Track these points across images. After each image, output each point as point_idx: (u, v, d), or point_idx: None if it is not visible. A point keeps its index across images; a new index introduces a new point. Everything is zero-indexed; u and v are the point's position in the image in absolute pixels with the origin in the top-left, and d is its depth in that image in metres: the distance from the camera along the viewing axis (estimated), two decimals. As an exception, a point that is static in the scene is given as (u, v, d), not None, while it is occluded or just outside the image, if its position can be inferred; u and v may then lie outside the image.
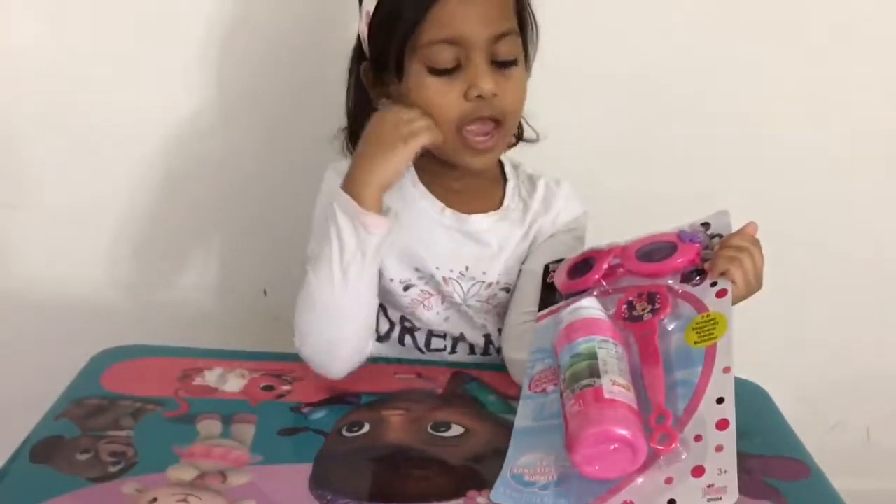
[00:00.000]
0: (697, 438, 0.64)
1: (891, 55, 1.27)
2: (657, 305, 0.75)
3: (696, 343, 0.71)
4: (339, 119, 0.99)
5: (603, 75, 1.22)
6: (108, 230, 1.30)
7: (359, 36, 0.92)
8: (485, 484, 0.69)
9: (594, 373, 0.67)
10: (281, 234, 1.25)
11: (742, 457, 0.74)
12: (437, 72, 0.83)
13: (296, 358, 0.88)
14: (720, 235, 0.80)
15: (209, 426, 0.76)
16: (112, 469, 0.69)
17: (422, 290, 0.93)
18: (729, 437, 0.64)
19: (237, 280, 1.37)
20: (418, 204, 0.92)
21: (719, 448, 0.63)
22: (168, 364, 0.86)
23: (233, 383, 0.83)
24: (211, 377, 0.84)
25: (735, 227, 0.80)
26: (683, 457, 0.64)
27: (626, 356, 0.71)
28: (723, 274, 0.74)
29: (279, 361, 0.87)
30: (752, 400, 0.86)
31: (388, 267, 0.90)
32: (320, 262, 0.82)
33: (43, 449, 0.72)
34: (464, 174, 0.91)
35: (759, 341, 1.37)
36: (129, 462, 0.70)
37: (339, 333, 0.82)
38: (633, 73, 1.23)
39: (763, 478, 0.73)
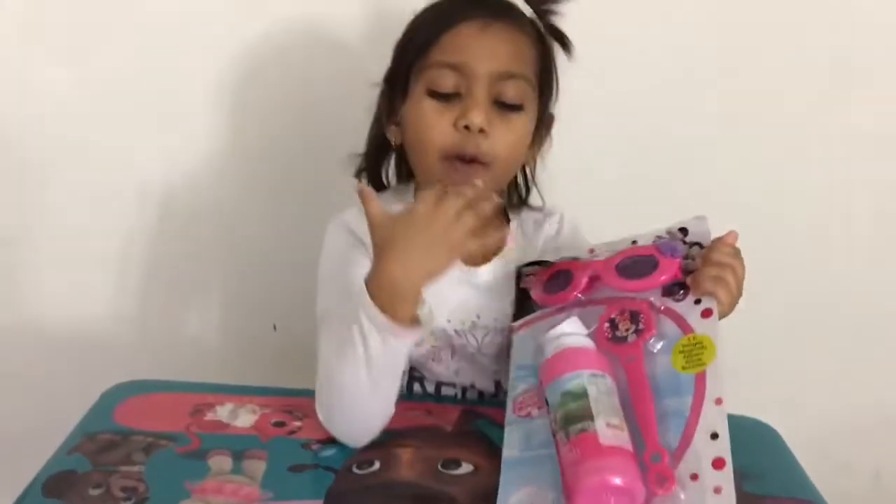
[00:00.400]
0: (694, 477, 0.64)
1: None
2: (641, 326, 0.74)
3: (683, 368, 0.70)
4: (348, 159, 1.00)
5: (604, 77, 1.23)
6: (121, 266, 1.31)
7: None
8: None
9: (587, 415, 0.66)
10: (291, 270, 1.26)
11: (753, 498, 0.74)
12: (435, 95, 0.84)
13: (307, 394, 0.87)
14: (699, 244, 0.79)
15: (220, 462, 0.76)
16: (124, 504, 0.69)
17: (433, 346, 0.91)
18: (727, 478, 0.63)
19: (247, 315, 1.37)
20: None
21: (718, 490, 0.62)
22: (180, 399, 0.86)
23: (244, 419, 0.83)
24: (222, 412, 0.84)
25: (713, 234, 0.80)
26: (682, 497, 0.63)
27: (615, 388, 0.70)
28: (708, 293, 0.74)
29: (290, 397, 0.87)
30: (763, 440, 0.86)
31: None
32: (345, 359, 0.75)
33: (55, 484, 0.72)
34: None
35: (770, 381, 1.37)
36: (140, 497, 0.70)
37: (369, 425, 0.79)
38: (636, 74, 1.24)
39: (775, 519, 0.73)
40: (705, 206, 1.27)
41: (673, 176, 1.28)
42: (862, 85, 1.27)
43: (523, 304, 0.83)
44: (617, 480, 0.63)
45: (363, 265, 0.86)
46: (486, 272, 0.92)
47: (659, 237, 0.80)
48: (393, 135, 0.92)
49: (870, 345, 1.40)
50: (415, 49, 0.86)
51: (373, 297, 0.72)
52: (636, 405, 0.69)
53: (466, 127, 0.82)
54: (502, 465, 0.72)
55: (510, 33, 0.86)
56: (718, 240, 0.79)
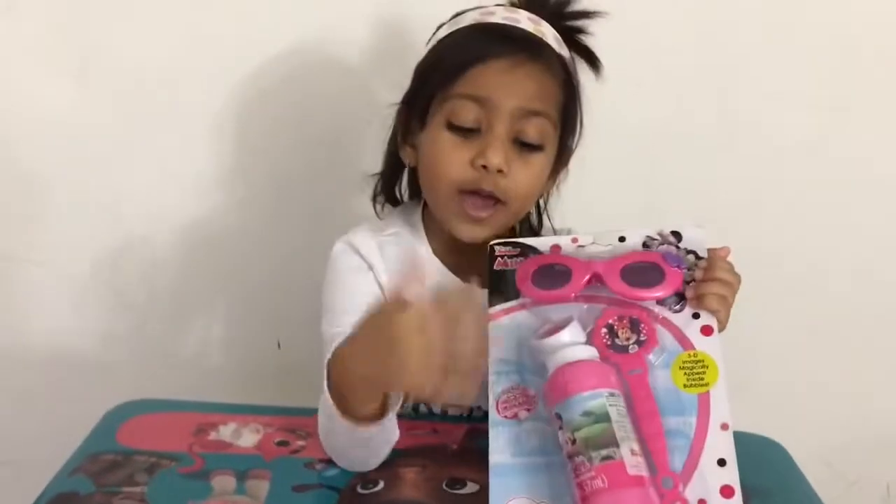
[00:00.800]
0: (702, 503, 0.63)
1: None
2: (643, 337, 0.72)
3: (685, 387, 0.69)
4: (353, 178, 0.99)
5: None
6: (123, 284, 1.31)
7: None
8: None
9: (611, 441, 0.64)
10: (295, 288, 1.26)
11: (762, 516, 0.74)
12: (455, 128, 0.83)
13: (310, 412, 0.87)
14: (694, 253, 0.77)
15: (223, 482, 0.76)
16: (126, 526, 0.69)
17: None
18: None
19: (251, 333, 1.37)
20: (435, 280, 0.88)
21: None
22: (183, 419, 0.86)
23: (247, 438, 0.83)
24: (225, 432, 0.84)
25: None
26: None
27: (625, 403, 0.68)
28: (713, 311, 0.73)
29: (293, 416, 0.87)
30: (771, 458, 0.85)
31: None
32: (333, 429, 0.75)
33: (58, 505, 0.72)
34: (474, 246, 0.87)
35: (778, 397, 1.37)
36: (143, 519, 0.70)
37: (370, 465, 0.79)
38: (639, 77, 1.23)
39: (784, 538, 0.72)
40: (708, 210, 1.28)
41: (672, 176, 1.28)
42: (864, 86, 1.26)
43: (501, 291, 0.77)
44: None
45: (369, 291, 0.86)
46: None
47: (651, 238, 0.78)
48: (408, 156, 0.91)
49: (879, 359, 1.39)
50: (440, 76, 0.84)
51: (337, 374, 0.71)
52: (644, 423, 0.67)
53: (484, 166, 0.81)
54: (490, 471, 0.69)
55: (539, 73, 0.84)
56: (716, 253, 0.77)
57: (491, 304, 0.77)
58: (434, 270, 0.90)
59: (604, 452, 0.63)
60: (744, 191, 1.30)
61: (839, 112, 1.26)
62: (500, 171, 0.81)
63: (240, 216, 1.30)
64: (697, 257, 0.77)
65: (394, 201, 0.98)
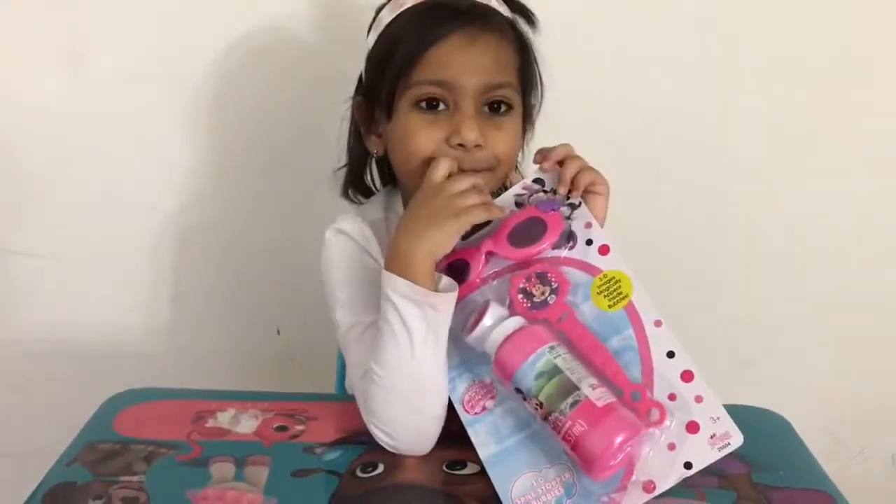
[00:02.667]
0: (671, 397, 0.68)
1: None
2: (555, 283, 0.75)
3: (610, 307, 0.73)
4: (333, 175, 0.98)
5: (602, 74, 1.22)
6: (120, 274, 1.31)
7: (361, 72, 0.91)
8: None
9: (571, 387, 0.67)
10: (293, 275, 1.25)
11: (766, 490, 0.74)
12: (423, 111, 0.82)
13: (309, 397, 0.87)
14: (555, 191, 0.80)
15: (222, 469, 0.75)
16: (124, 515, 0.69)
17: None
18: (701, 386, 0.68)
19: (250, 321, 1.37)
20: None
21: (699, 399, 0.67)
22: (181, 406, 0.85)
23: (246, 424, 0.82)
24: (224, 419, 0.83)
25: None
26: (669, 420, 0.67)
27: (570, 351, 0.71)
28: (586, 191, 0.78)
29: (292, 401, 0.86)
30: (774, 432, 0.85)
31: None
32: (385, 354, 0.74)
33: (55, 496, 0.71)
34: None
35: (782, 371, 1.36)
36: (141, 507, 0.69)
37: (428, 416, 0.77)
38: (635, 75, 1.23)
39: (788, 511, 0.72)
40: (708, 189, 1.28)
41: (672, 154, 1.28)
42: (862, 83, 1.26)
43: None
44: (629, 434, 0.66)
45: (372, 271, 0.85)
46: None
47: (519, 195, 0.81)
48: (375, 146, 0.90)
49: (884, 331, 1.39)
50: (397, 64, 0.82)
51: (393, 271, 0.74)
52: (591, 356, 0.71)
53: (461, 144, 0.81)
54: (486, 465, 0.72)
55: (495, 43, 0.84)
56: (552, 150, 0.82)
57: None
58: None
59: (570, 400, 0.67)
60: (744, 170, 1.29)
61: (839, 89, 1.25)
62: (477, 145, 0.81)
63: (237, 203, 1.30)
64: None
65: (366, 192, 0.97)
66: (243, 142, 1.27)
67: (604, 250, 0.75)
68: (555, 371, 0.68)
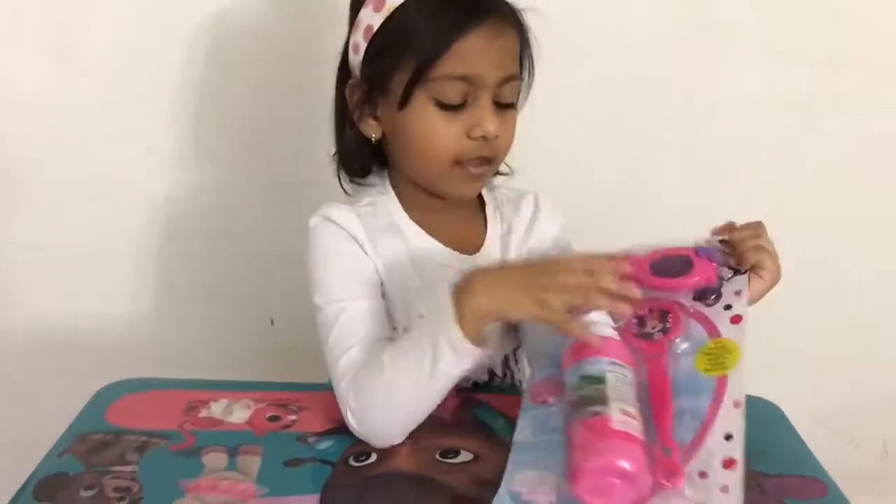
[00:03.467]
0: (702, 475, 0.63)
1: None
2: (668, 325, 0.74)
3: (706, 370, 0.70)
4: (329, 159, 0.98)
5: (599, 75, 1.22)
6: (112, 265, 1.31)
7: (347, 48, 0.89)
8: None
9: (602, 399, 0.66)
10: (287, 265, 1.25)
11: (758, 476, 0.74)
12: (444, 106, 0.82)
13: (301, 387, 0.87)
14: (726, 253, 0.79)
15: (215, 459, 0.75)
16: (117, 505, 0.68)
17: None
18: (736, 479, 0.62)
19: (245, 311, 1.37)
20: (417, 244, 0.90)
21: (724, 489, 0.62)
22: (173, 397, 0.85)
23: (238, 414, 0.82)
24: (216, 409, 0.83)
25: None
26: (686, 493, 0.62)
27: (635, 380, 0.70)
28: (754, 267, 0.76)
29: (284, 391, 0.86)
30: (767, 419, 0.85)
31: (397, 319, 0.87)
32: (403, 367, 0.74)
33: (46, 487, 0.71)
34: (448, 206, 0.90)
35: (775, 359, 1.36)
36: (133, 498, 0.69)
37: (416, 422, 0.78)
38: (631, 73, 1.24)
39: (781, 497, 0.72)
40: (704, 175, 1.27)
41: (666, 139, 1.28)
42: (857, 76, 1.26)
43: None
44: (623, 464, 0.62)
45: (357, 260, 0.86)
46: (480, 259, 0.91)
47: (699, 247, 0.80)
48: (372, 130, 0.89)
49: (875, 320, 1.39)
50: (418, 56, 0.80)
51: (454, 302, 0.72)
52: (654, 400, 0.69)
53: (482, 136, 0.82)
54: (513, 447, 0.72)
55: (512, 36, 0.84)
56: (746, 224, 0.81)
57: None
58: (414, 235, 0.90)
59: (593, 409, 0.65)
60: (735, 159, 1.30)
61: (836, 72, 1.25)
62: (496, 137, 0.83)
63: (230, 192, 1.29)
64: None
65: (364, 173, 0.95)
66: (237, 130, 1.26)
67: (735, 319, 0.73)
68: (600, 381, 0.67)
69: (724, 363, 0.70)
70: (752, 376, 1.01)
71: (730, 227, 0.82)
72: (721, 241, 0.81)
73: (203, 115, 1.24)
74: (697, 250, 0.78)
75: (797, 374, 1.37)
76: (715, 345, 0.72)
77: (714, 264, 0.77)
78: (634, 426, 0.65)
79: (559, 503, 0.65)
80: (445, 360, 0.72)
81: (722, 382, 0.69)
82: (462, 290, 0.73)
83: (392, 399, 0.76)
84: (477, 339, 0.72)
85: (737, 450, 0.64)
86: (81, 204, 1.26)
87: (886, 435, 1.51)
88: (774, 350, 1.37)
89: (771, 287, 0.79)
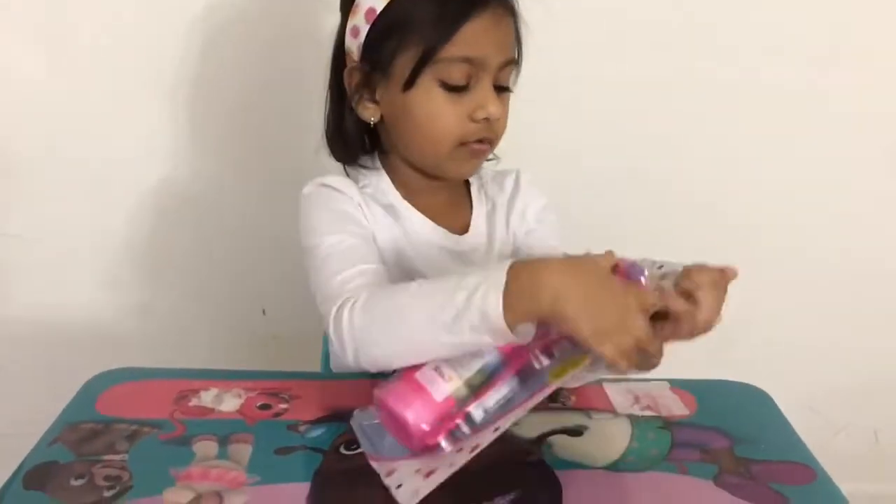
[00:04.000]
0: (475, 449, 0.66)
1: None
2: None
3: (555, 376, 0.69)
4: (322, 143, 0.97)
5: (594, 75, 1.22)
6: (107, 255, 1.31)
7: (343, 32, 0.88)
8: (483, 497, 0.68)
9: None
10: (278, 255, 1.25)
11: (748, 462, 0.74)
12: (449, 87, 0.83)
13: (292, 376, 0.87)
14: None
15: (205, 447, 0.75)
16: (107, 494, 0.68)
17: None
18: (459, 458, 0.65)
19: (236, 301, 1.36)
20: (412, 222, 0.91)
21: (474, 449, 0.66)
22: (163, 386, 0.85)
23: (229, 403, 0.82)
24: (207, 398, 0.83)
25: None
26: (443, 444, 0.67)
27: (492, 360, 0.69)
28: (689, 297, 0.69)
29: (275, 380, 0.86)
30: (754, 405, 0.85)
31: None
32: (425, 303, 0.70)
33: (36, 476, 0.71)
34: (438, 188, 0.92)
35: (767, 346, 1.37)
36: (124, 486, 0.69)
37: (403, 361, 0.72)
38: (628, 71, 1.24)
39: (768, 483, 0.72)
40: (697, 170, 1.28)
41: (661, 134, 1.28)
42: (851, 68, 1.26)
43: None
44: (391, 404, 0.67)
45: (357, 209, 0.87)
46: (470, 239, 0.93)
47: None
48: (371, 113, 0.89)
49: (867, 305, 1.40)
50: (423, 38, 0.81)
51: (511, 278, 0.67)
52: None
53: (485, 118, 0.84)
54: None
55: (512, 21, 0.86)
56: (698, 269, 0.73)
57: None
58: (409, 215, 0.91)
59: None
60: (726, 150, 1.30)
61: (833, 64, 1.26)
62: (497, 119, 0.85)
63: (221, 183, 1.29)
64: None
65: (355, 157, 0.94)
66: (229, 121, 1.26)
67: None
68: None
69: (566, 369, 0.69)
70: (745, 363, 1.02)
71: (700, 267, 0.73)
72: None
73: (194, 107, 1.24)
74: (629, 270, 0.70)
75: (789, 362, 1.37)
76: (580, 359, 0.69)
77: (644, 280, 0.69)
78: (440, 386, 0.67)
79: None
80: (469, 321, 0.67)
81: (547, 388, 0.69)
82: (529, 272, 0.67)
83: (399, 324, 0.71)
84: (513, 322, 0.66)
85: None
86: (71, 195, 1.26)
87: (877, 423, 1.52)
88: (767, 338, 1.38)
89: (690, 335, 0.70)
